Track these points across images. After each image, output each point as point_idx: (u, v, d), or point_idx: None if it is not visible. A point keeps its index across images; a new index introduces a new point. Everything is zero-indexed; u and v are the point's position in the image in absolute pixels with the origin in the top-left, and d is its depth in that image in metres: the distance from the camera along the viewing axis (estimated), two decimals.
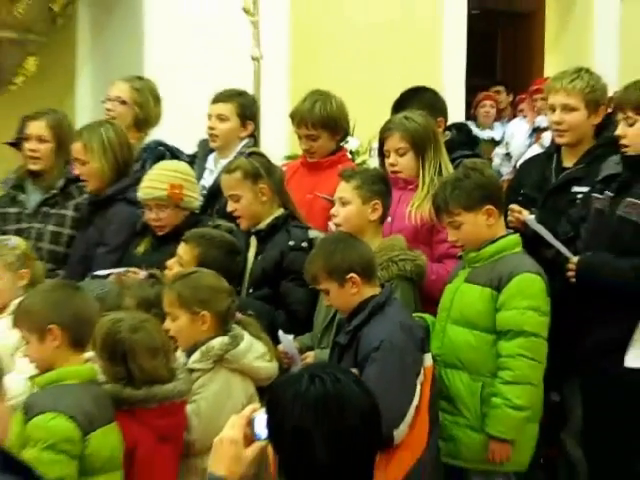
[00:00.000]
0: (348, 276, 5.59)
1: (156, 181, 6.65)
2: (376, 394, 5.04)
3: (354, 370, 5.14)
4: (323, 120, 7.11)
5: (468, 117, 11.72)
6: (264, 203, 6.52)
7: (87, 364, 5.10)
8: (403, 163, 6.65)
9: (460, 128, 7.85)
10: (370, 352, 5.46)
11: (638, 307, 5.95)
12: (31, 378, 5.13)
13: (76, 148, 7.00)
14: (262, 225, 6.52)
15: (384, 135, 6.84)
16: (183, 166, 6.94)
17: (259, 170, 6.51)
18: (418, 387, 5.57)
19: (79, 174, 7.07)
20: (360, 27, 10.67)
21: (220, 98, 7.39)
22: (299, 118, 7.19)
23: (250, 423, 3.55)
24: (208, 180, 7.30)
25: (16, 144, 7.38)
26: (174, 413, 5.29)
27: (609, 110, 6.63)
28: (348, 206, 6.19)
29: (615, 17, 12.13)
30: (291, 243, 6.43)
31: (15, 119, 7.58)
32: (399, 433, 5.44)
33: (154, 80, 7.92)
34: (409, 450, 5.53)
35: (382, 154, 6.91)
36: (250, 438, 3.53)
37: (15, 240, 6.39)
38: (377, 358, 5.45)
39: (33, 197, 7.27)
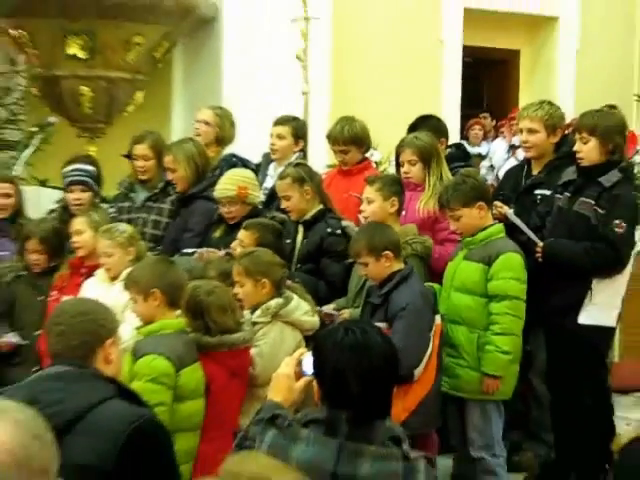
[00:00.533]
0: (384, 253, 5.66)
1: (228, 184, 6.64)
2: (403, 343, 5.20)
3: (383, 324, 5.31)
4: (350, 138, 7.04)
5: (462, 137, 11.63)
6: (308, 201, 6.49)
7: (179, 319, 5.12)
8: (413, 171, 6.64)
9: (457, 146, 7.90)
10: (398, 311, 5.57)
11: (588, 279, 6.01)
12: (137, 328, 5.18)
13: (167, 160, 7.01)
14: (307, 217, 6.51)
15: (399, 150, 6.86)
16: (248, 172, 6.93)
17: (304, 176, 6.49)
18: (431, 339, 5.71)
19: (170, 179, 7.05)
20: (384, 70, 10.53)
21: (279, 122, 7.37)
22: (333, 138, 7.14)
23: (299, 363, 3.61)
24: (269, 183, 7.27)
25: (129, 156, 7.32)
26: (241, 355, 5.30)
27: (567, 132, 6.62)
28: (373, 204, 6.19)
29: (572, 62, 11.88)
30: (329, 230, 6.42)
31: (127, 137, 7.53)
32: (417, 372, 5.60)
33: (230, 108, 7.82)
34: (422, 384, 5.66)
35: (398, 164, 6.92)
36: (299, 374, 3.59)
37: (124, 226, 6.35)
38: (404, 316, 5.56)
39: (140, 195, 7.21)
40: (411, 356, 5.54)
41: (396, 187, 6.41)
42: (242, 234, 6.21)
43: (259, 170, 7.47)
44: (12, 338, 6.56)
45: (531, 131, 6.50)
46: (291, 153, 7.34)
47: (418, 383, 5.63)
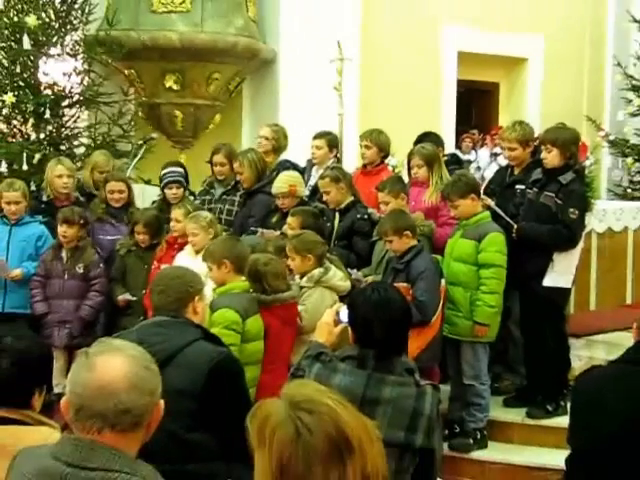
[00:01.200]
0: (405, 232, 5.66)
1: (282, 182, 6.60)
2: (425, 297, 5.43)
3: (405, 284, 5.35)
4: (375, 141, 7.05)
5: (456, 147, 11.64)
6: (342, 194, 6.45)
7: (244, 282, 5.11)
8: (420, 173, 6.60)
9: (452, 155, 7.88)
10: (419, 274, 5.58)
11: (550, 252, 5.99)
12: (214, 290, 5.15)
13: (236, 165, 6.99)
14: (342, 206, 6.47)
15: (410, 157, 6.88)
16: (296, 173, 6.89)
17: (339, 176, 6.47)
18: (440, 296, 5.73)
19: (239, 179, 7.04)
20: (398, 97, 10.40)
21: (317, 136, 7.30)
22: (363, 136, 7.17)
23: (337, 314, 3.64)
24: (312, 182, 7.21)
25: (210, 162, 7.34)
26: (290, 309, 5.33)
27: (537, 142, 6.55)
28: (389, 204, 6.15)
29: (538, 91, 11.96)
30: (358, 216, 6.39)
31: (209, 148, 7.59)
32: (433, 319, 5.63)
33: (285, 125, 7.79)
34: (432, 329, 5.68)
35: (409, 168, 6.91)
36: (337, 322, 3.63)
37: (205, 213, 6.38)
38: (424, 277, 5.57)
39: (218, 191, 7.20)
40: (431, 306, 5.60)
41: (400, 185, 6.41)
42: (290, 219, 6.16)
43: (305, 172, 7.40)
44: (127, 296, 6.61)
45: (510, 149, 6.44)
46: (327, 159, 7.25)
47: (428, 328, 5.62)
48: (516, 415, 6.23)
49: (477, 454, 5.96)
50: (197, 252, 6.06)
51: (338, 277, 5.69)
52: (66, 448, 2.11)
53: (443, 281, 5.79)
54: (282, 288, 5.24)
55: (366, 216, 6.41)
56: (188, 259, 6.00)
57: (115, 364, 2.13)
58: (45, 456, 2.14)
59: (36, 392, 2.80)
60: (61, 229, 6.55)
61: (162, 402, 2.21)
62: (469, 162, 12.24)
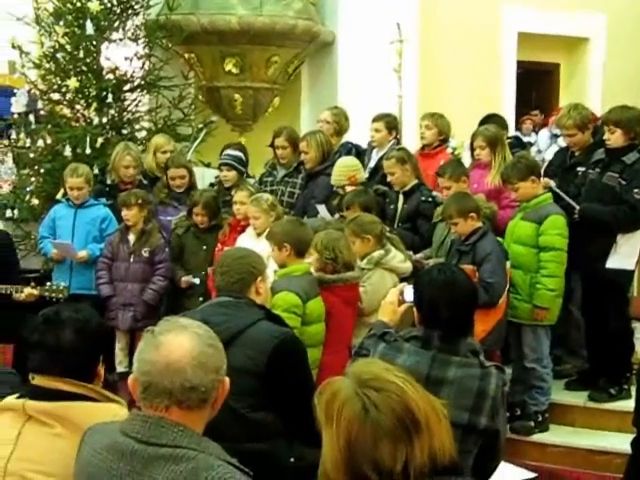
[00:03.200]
0: (470, 214, 5.63)
1: (340, 175, 6.58)
2: (492, 279, 5.42)
3: (470, 266, 5.33)
4: (436, 121, 7.09)
5: (517, 129, 11.55)
6: (407, 176, 6.39)
7: (305, 264, 5.10)
8: (483, 154, 6.54)
9: (515, 137, 7.77)
10: (486, 256, 5.55)
11: (614, 234, 5.91)
12: (275, 271, 5.15)
13: (302, 145, 7.00)
14: (406, 188, 6.42)
15: (473, 139, 6.80)
16: (353, 160, 6.83)
17: (405, 157, 6.42)
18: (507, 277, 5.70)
19: (303, 159, 7.02)
20: (459, 79, 10.29)
21: (376, 119, 7.24)
22: (425, 116, 7.20)
23: (401, 293, 3.63)
24: (372, 164, 7.15)
25: (272, 145, 7.34)
26: (352, 289, 5.29)
27: (597, 123, 6.49)
28: (451, 189, 6.08)
29: (600, 72, 11.76)
30: (423, 199, 6.36)
31: (268, 131, 7.62)
32: (500, 301, 5.61)
33: (345, 108, 7.82)
34: (498, 311, 5.65)
35: (472, 149, 6.83)
36: (401, 301, 3.63)
37: (267, 195, 6.40)
38: (491, 259, 5.54)
39: (280, 173, 7.23)
40: (499, 288, 5.57)
41: (461, 168, 6.38)
42: (347, 212, 6.11)
43: (365, 152, 7.39)
44: (191, 279, 6.66)
45: (567, 134, 6.39)
46: (386, 141, 7.16)
47: (494, 310, 5.59)
48: (578, 398, 6.20)
49: (538, 437, 5.95)
50: (259, 235, 6.11)
51: (398, 259, 5.65)
52: (135, 425, 2.14)
53: (508, 263, 5.75)
54: (352, 262, 5.25)
55: (430, 199, 6.37)
56: (250, 241, 6.02)
57: (181, 342, 2.15)
58: (115, 432, 2.19)
59: (100, 360, 2.84)
60: (123, 213, 6.65)
61: (227, 379, 2.23)
62: (530, 144, 12.13)
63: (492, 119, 7.29)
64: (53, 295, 6.09)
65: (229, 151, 7.28)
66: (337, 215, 6.33)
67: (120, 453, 2.13)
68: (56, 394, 2.68)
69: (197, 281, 6.59)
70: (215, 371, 2.17)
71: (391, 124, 7.27)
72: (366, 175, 6.96)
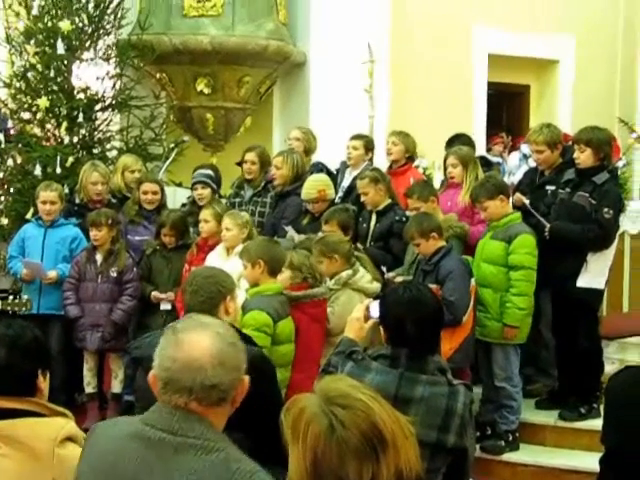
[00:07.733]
0: (431, 234, 5.66)
1: (311, 189, 6.62)
2: (454, 297, 5.37)
3: (434, 285, 5.30)
4: (402, 139, 7.21)
5: (487, 150, 11.62)
6: (381, 196, 6.43)
7: (277, 283, 5.09)
8: (455, 172, 6.58)
9: (481, 157, 7.77)
10: (447, 274, 5.57)
11: (584, 253, 5.96)
12: (246, 290, 5.15)
13: (277, 160, 7.04)
14: (379, 208, 6.45)
15: (446, 158, 6.82)
16: (324, 177, 6.90)
17: (378, 177, 6.45)
18: (471, 296, 5.70)
19: (273, 176, 7.03)
20: (429, 99, 10.30)
21: (355, 137, 7.30)
22: (392, 133, 7.34)
23: (367, 309, 3.63)
24: (346, 183, 7.21)
25: (240, 163, 7.40)
26: (320, 305, 5.35)
27: (568, 143, 6.50)
28: (421, 209, 6.12)
29: (569, 93, 11.88)
30: (396, 218, 6.36)
31: (240, 151, 7.63)
32: (464, 319, 5.61)
33: (315, 129, 7.86)
34: (464, 329, 5.66)
35: (445, 168, 6.87)
36: (367, 318, 3.63)
37: (243, 213, 6.45)
38: (452, 278, 5.56)
39: (248, 192, 7.26)
40: (461, 306, 5.58)
41: (429, 189, 6.44)
42: (325, 227, 6.18)
43: (338, 173, 7.43)
44: (167, 301, 6.59)
45: (538, 152, 6.39)
46: (362, 161, 7.24)
47: (461, 328, 5.61)
48: (548, 417, 6.22)
49: (508, 456, 5.96)
50: (228, 249, 6.14)
51: (366, 279, 5.67)
52: (160, 416, 2.14)
53: (473, 281, 5.77)
54: (320, 276, 5.31)
55: (404, 218, 6.37)
56: (219, 260, 6.01)
57: (202, 341, 2.15)
58: (136, 423, 2.17)
59: (39, 375, 2.77)
60: (91, 233, 6.61)
61: (247, 378, 2.24)
62: (499, 164, 12.20)
63: (459, 139, 7.34)
64: (16, 309, 5.96)
65: (202, 170, 7.35)
66: (303, 236, 6.32)
67: (147, 440, 2.11)
68: None
69: (169, 307, 6.56)
70: (236, 369, 2.19)
71: (369, 145, 7.37)
72: (340, 194, 7.02)
